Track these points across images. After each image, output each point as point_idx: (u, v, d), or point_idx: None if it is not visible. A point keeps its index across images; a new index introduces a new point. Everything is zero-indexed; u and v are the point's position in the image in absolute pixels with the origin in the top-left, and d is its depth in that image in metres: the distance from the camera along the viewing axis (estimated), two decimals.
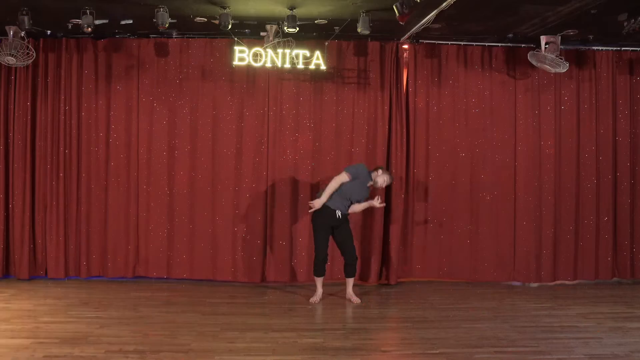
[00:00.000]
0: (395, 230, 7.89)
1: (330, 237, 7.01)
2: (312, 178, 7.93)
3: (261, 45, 7.37)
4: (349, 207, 6.97)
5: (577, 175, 8.18)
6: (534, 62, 7.61)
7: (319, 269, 6.96)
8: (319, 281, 7.04)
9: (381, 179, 6.99)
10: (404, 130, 7.98)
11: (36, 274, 7.83)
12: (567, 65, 7.56)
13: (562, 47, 7.53)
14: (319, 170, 7.93)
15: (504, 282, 8.14)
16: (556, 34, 7.39)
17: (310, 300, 6.96)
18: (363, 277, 7.91)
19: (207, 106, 7.90)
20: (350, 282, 7.08)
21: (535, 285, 8.10)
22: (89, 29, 6.69)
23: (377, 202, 7.02)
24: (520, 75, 8.16)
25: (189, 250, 7.87)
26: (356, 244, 7.52)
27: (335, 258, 7.66)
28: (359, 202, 7.02)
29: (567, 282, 8.16)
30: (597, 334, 5.71)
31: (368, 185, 7.03)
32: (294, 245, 7.90)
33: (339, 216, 6.86)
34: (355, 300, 6.98)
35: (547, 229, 8.12)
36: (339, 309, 6.74)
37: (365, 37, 7.52)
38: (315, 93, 7.96)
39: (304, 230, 7.86)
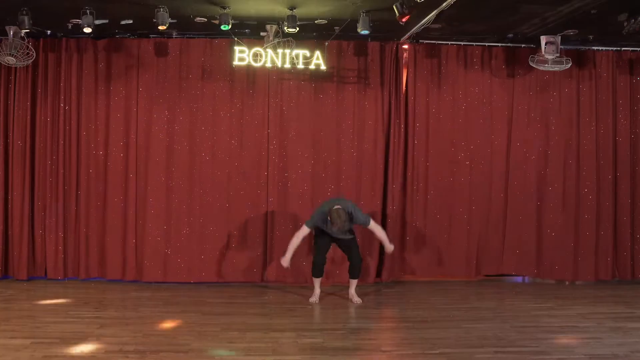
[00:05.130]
0: (394, 229, 7.87)
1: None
2: (313, 178, 7.93)
3: (261, 45, 7.37)
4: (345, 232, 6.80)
5: (577, 174, 8.18)
6: (535, 66, 7.60)
7: (316, 271, 6.99)
8: (316, 282, 7.05)
9: (334, 226, 6.55)
10: (404, 130, 7.98)
11: (35, 274, 7.80)
12: (570, 61, 7.54)
13: (562, 47, 7.52)
14: (319, 170, 7.93)
15: (502, 278, 8.26)
16: (556, 34, 7.39)
17: (309, 300, 6.96)
18: (362, 277, 7.88)
19: (207, 106, 7.89)
20: (353, 283, 7.07)
21: (535, 280, 8.24)
22: (89, 29, 6.69)
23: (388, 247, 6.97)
24: (520, 75, 8.16)
25: (188, 251, 7.85)
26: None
27: (335, 260, 7.67)
28: (344, 235, 6.77)
29: (567, 282, 8.20)
30: (597, 334, 5.71)
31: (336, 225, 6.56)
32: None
33: (337, 237, 6.84)
34: (356, 300, 6.98)
35: (547, 228, 8.14)
36: (339, 309, 6.74)
37: (365, 37, 7.52)
38: (316, 93, 7.96)
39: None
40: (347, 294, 7.09)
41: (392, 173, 7.89)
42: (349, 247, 6.98)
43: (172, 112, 7.87)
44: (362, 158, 7.95)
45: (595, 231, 8.12)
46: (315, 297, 6.99)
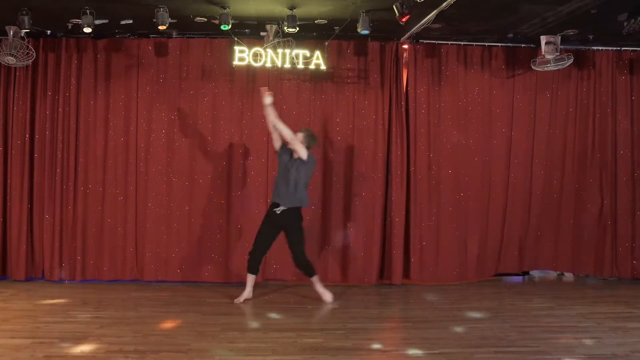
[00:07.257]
0: (396, 230, 7.86)
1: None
2: (314, 178, 7.90)
3: (261, 45, 7.37)
4: (299, 194, 6.69)
5: (578, 174, 8.20)
6: (538, 68, 7.60)
7: (250, 266, 6.76)
8: (249, 279, 6.79)
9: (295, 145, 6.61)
10: (404, 130, 7.98)
11: (33, 275, 7.79)
12: (571, 57, 7.52)
13: (562, 47, 7.53)
14: (319, 169, 7.91)
15: (504, 277, 8.36)
16: (556, 34, 7.40)
17: (234, 301, 6.76)
18: (364, 278, 7.89)
19: (206, 106, 7.89)
20: (313, 281, 6.87)
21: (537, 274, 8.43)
22: (89, 29, 6.69)
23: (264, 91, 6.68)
24: (520, 75, 8.16)
25: (188, 250, 7.85)
26: (358, 242, 7.60)
27: (333, 258, 7.66)
28: (303, 182, 6.70)
29: (567, 279, 8.29)
30: (597, 334, 5.71)
31: (294, 157, 6.67)
32: None
33: (278, 211, 6.64)
34: (327, 298, 6.80)
35: (547, 226, 8.19)
36: (339, 309, 6.73)
37: (365, 37, 7.53)
38: (316, 93, 7.96)
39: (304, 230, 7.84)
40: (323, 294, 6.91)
41: (393, 173, 7.88)
42: (291, 242, 6.70)
43: (172, 112, 7.87)
44: (364, 158, 7.94)
45: (595, 230, 8.15)
46: (242, 297, 6.74)
